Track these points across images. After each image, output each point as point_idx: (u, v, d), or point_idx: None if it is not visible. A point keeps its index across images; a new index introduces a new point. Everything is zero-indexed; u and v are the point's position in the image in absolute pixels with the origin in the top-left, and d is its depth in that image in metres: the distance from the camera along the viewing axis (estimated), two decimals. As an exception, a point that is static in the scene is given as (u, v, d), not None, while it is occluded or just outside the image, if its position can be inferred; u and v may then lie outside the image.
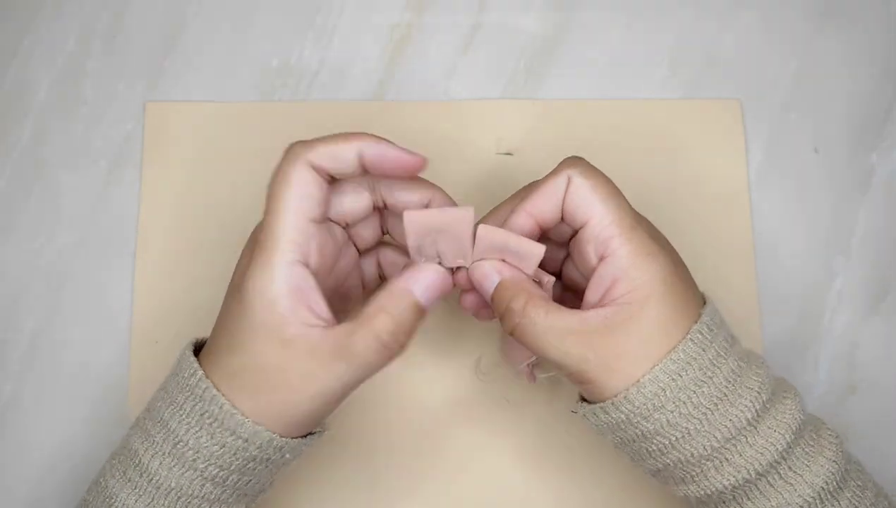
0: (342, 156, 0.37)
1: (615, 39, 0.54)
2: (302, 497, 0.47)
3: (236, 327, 0.36)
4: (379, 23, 0.54)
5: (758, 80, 0.53)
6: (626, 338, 0.36)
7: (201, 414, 0.36)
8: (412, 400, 0.48)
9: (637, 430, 0.37)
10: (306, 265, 0.36)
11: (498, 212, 0.41)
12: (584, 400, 0.39)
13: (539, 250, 0.38)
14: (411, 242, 0.38)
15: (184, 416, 0.37)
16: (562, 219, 0.39)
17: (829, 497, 0.36)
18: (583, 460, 0.48)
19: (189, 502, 0.37)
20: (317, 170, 0.37)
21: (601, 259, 0.37)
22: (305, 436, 0.38)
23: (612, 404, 0.36)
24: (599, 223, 0.37)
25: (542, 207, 0.38)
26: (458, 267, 0.39)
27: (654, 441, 0.36)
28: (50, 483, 0.48)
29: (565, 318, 0.37)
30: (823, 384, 0.49)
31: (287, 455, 0.38)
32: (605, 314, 0.36)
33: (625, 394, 0.36)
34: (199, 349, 0.39)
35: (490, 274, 0.38)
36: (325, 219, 0.38)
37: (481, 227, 0.38)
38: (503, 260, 0.39)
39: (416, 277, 0.38)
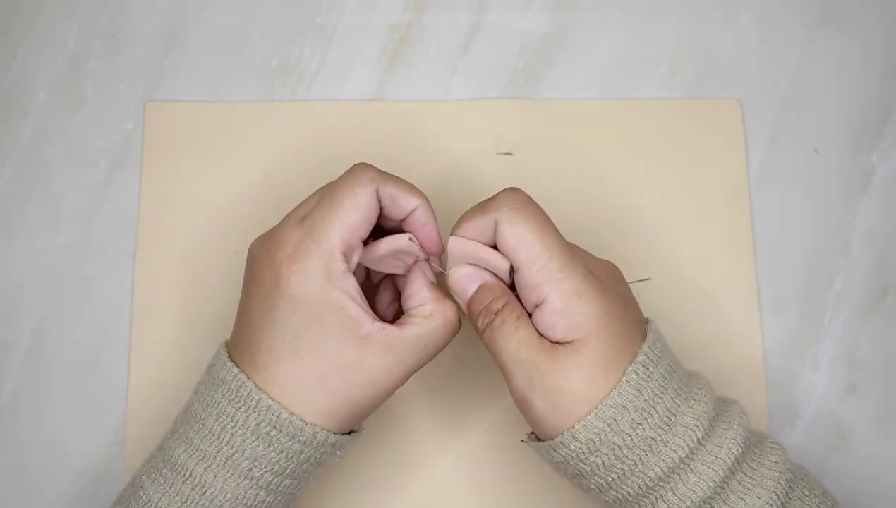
0: (403, 204, 0.40)
1: (615, 39, 0.54)
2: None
3: (302, 334, 0.37)
4: (379, 23, 0.54)
5: (758, 80, 0.53)
6: (567, 374, 0.37)
7: (257, 424, 0.37)
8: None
9: (575, 470, 0.38)
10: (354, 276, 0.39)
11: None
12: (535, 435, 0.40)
13: (505, 264, 0.39)
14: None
15: (237, 427, 0.37)
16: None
17: None
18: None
19: None
20: (378, 199, 0.39)
21: (536, 305, 0.38)
22: (351, 433, 0.40)
23: (551, 446, 0.38)
24: (528, 270, 0.38)
25: (470, 235, 0.40)
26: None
27: (592, 480, 0.38)
28: (50, 482, 0.48)
29: (529, 329, 0.38)
30: (823, 384, 0.49)
31: (338, 453, 0.39)
32: (552, 346, 0.37)
33: (560, 439, 0.37)
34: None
35: (473, 277, 0.40)
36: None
37: (452, 239, 0.40)
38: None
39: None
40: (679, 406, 0.37)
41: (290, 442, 0.37)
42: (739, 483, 0.37)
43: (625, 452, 0.36)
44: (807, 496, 0.37)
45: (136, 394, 0.48)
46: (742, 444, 0.37)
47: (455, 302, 0.41)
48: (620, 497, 0.37)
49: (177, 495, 0.37)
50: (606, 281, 0.39)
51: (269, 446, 0.37)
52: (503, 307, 0.39)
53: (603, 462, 0.37)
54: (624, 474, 0.37)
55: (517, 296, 0.40)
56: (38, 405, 0.49)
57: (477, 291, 0.40)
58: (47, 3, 0.54)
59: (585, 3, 0.54)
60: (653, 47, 0.54)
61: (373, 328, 0.38)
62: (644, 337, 0.38)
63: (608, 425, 0.36)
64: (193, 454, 0.38)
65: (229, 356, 0.39)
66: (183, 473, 0.37)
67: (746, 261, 0.50)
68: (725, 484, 0.36)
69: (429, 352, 0.39)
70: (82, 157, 0.52)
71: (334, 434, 0.38)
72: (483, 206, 0.40)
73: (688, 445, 0.36)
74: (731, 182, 0.52)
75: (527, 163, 0.51)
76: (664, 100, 0.53)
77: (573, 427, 0.36)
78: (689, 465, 0.36)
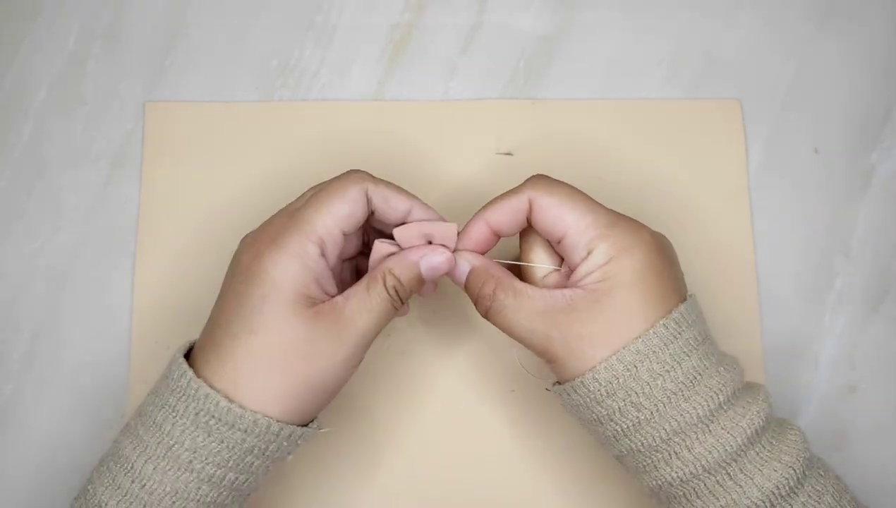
0: (396, 205, 0.41)
1: (615, 39, 0.54)
2: (300, 499, 0.47)
3: (257, 310, 0.38)
4: (379, 23, 0.54)
5: (758, 80, 0.53)
6: (589, 322, 0.38)
7: (196, 413, 0.37)
8: (412, 401, 0.49)
9: (592, 414, 0.38)
10: (326, 261, 0.40)
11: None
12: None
13: (452, 228, 0.41)
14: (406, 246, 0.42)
15: (178, 417, 0.37)
16: (521, 229, 0.41)
17: (779, 500, 0.36)
18: (586, 457, 0.48)
19: (185, 506, 0.37)
20: (369, 200, 0.40)
21: (584, 258, 0.39)
22: (306, 426, 0.39)
23: (572, 386, 0.38)
24: (576, 230, 0.39)
25: (499, 218, 0.41)
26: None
27: (608, 426, 0.38)
28: (50, 482, 0.48)
29: (532, 299, 0.39)
30: (823, 384, 0.49)
31: (284, 444, 0.38)
32: (570, 295, 0.38)
33: (581, 379, 0.37)
34: (190, 351, 0.40)
35: (461, 265, 0.41)
36: (348, 235, 0.41)
37: (396, 230, 0.41)
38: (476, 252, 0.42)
39: (426, 256, 0.41)
40: (707, 368, 0.38)
41: (229, 431, 0.37)
42: (757, 454, 0.37)
43: (641, 400, 0.37)
44: (822, 476, 0.38)
45: (136, 394, 0.48)
46: (764, 419, 0.37)
47: (397, 281, 0.40)
48: (635, 447, 0.38)
49: (118, 489, 0.37)
50: (651, 244, 0.39)
51: (209, 436, 0.37)
52: (495, 289, 0.39)
53: (620, 408, 0.37)
54: (640, 423, 0.37)
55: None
56: (38, 405, 0.49)
57: (468, 277, 0.41)
58: (47, 3, 0.54)
59: (585, 3, 0.54)
60: (653, 47, 0.54)
61: (324, 304, 0.39)
62: (682, 302, 0.39)
63: (627, 369, 0.37)
64: (137, 446, 0.38)
65: (190, 348, 0.40)
66: (125, 466, 0.37)
67: (746, 261, 0.50)
68: (743, 452, 0.37)
69: (376, 324, 0.39)
70: (82, 157, 0.52)
71: (281, 423, 0.37)
72: (512, 190, 0.41)
73: (709, 406, 0.37)
74: (731, 182, 0.52)
75: (527, 163, 0.51)
76: (664, 100, 0.53)
77: (594, 367, 0.37)
78: (707, 426, 0.37)
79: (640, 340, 0.37)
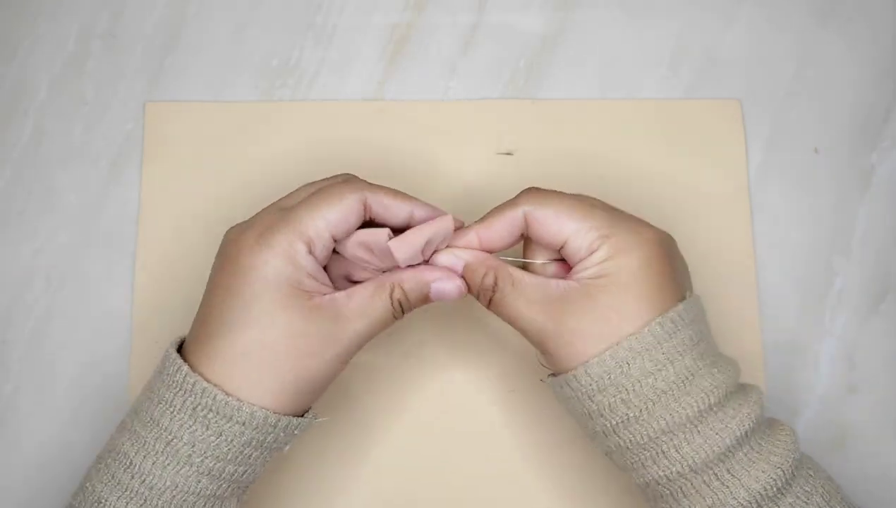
0: (397, 211, 0.41)
1: (615, 39, 0.54)
2: (299, 488, 0.47)
3: (252, 304, 0.38)
4: (379, 23, 0.54)
5: (758, 80, 0.53)
6: (581, 315, 0.38)
7: (194, 408, 0.37)
8: (409, 393, 0.49)
9: (583, 408, 0.38)
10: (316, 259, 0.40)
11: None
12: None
13: (447, 221, 0.40)
14: (405, 263, 0.41)
15: (175, 412, 0.37)
16: (516, 241, 0.41)
17: (766, 501, 0.36)
18: (585, 457, 0.48)
19: (185, 499, 0.37)
20: (366, 208, 0.40)
21: (583, 259, 0.39)
22: (302, 416, 0.39)
23: (565, 379, 0.39)
24: (578, 236, 0.39)
25: (491, 235, 0.41)
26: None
27: (598, 422, 0.38)
28: (50, 482, 0.48)
29: (529, 286, 0.40)
30: (823, 384, 0.49)
31: (282, 435, 0.39)
32: (565, 286, 0.39)
33: (573, 373, 0.38)
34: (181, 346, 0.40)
35: (454, 263, 0.41)
36: (337, 240, 0.40)
37: (393, 247, 0.40)
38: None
39: (439, 279, 0.41)
40: (700, 369, 0.38)
41: (228, 424, 0.37)
42: (746, 455, 0.37)
43: (631, 397, 0.37)
44: (812, 476, 0.38)
45: (136, 394, 0.48)
46: (754, 421, 0.37)
47: (405, 296, 0.40)
48: (623, 444, 0.38)
49: (117, 485, 0.37)
50: (652, 243, 0.39)
51: (207, 429, 0.37)
52: (495, 280, 0.40)
53: (609, 404, 0.37)
54: (628, 420, 0.37)
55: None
56: (38, 405, 0.49)
57: (464, 273, 0.41)
58: (47, 3, 0.54)
59: (585, 3, 0.54)
60: (653, 47, 0.54)
61: (323, 299, 0.39)
62: (681, 301, 0.39)
63: (619, 366, 0.37)
64: (135, 443, 0.38)
65: (181, 342, 0.40)
66: (124, 462, 0.37)
67: (746, 261, 0.50)
68: (731, 453, 0.37)
69: (371, 328, 0.39)
70: (82, 157, 0.52)
71: (277, 414, 0.38)
72: (506, 203, 0.41)
73: (699, 406, 0.37)
74: (731, 182, 0.52)
75: (527, 163, 0.51)
76: (664, 101, 0.53)
77: (587, 361, 0.37)
78: (696, 426, 0.37)
79: (634, 337, 0.37)
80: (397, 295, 0.40)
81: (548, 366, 0.41)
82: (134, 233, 0.51)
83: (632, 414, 0.37)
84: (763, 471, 0.36)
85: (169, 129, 0.52)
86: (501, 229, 0.41)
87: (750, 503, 0.36)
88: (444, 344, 0.49)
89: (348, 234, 0.40)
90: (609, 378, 0.37)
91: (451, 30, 0.54)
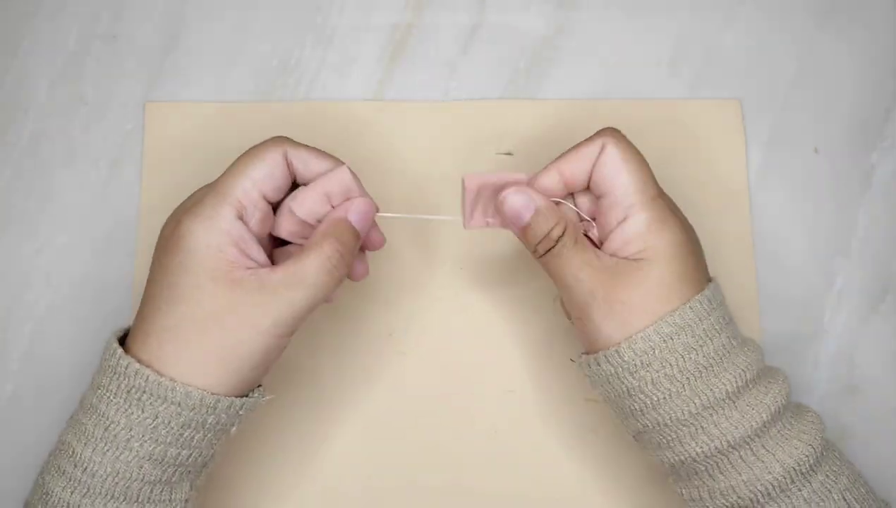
0: (316, 168, 0.40)
1: (615, 39, 0.54)
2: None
3: (176, 277, 0.37)
4: (379, 23, 0.54)
5: (758, 80, 0.53)
6: (630, 289, 0.38)
7: (128, 391, 0.37)
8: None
9: (623, 385, 0.38)
10: (246, 225, 0.39)
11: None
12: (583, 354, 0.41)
13: (342, 172, 0.40)
14: (468, 200, 0.41)
15: (111, 397, 0.37)
16: (587, 186, 0.41)
17: (799, 477, 0.37)
18: (584, 457, 0.48)
19: (128, 486, 0.37)
20: (288, 163, 0.40)
21: (621, 221, 0.39)
22: (245, 397, 0.38)
23: (605, 356, 0.38)
24: (624, 191, 0.39)
25: (572, 168, 0.41)
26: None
27: (637, 398, 0.38)
28: (50, 483, 0.48)
29: (587, 250, 0.40)
30: (823, 384, 0.49)
31: (224, 416, 0.38)
32: (616, 262, 0.39)
33: (616, 348, 0.38)
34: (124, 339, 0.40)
35: (528, 203, 0.40)
36: (272, 201, 0.40)
37: (467, 177, 0.41)
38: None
39: (350, 208, 0.40)
40: (734, 347, 0.39)
41: (163, 406, 0.36)
42: (779, 431, 0.38)
43: (674, 372, 0.37)
44: (838, 459, 0.39)
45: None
46: (785, 398, 0.38)
47: (338, 242, 0.39)
48: (662, 420, 0.38)
49: (62, 475, 0.37)
50: (685, 224, 0.41)
51: (143, 412, 0.36)
52: (563, 233, 0.39)
53: (652, 379, 0.38)
54: (670, 395, 0.37)
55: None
56: (38, 405, 0.49)
57: (534, 217, 0.40)
58: (47, 3, 0.54)
59: (585, 3, 0.54)
60: (653, 47, 0.54)
61: (245, 273, 0.37)
62: (708, 282, 0.40)
63: (664, 341, 0.37)
64: (77, 431, 0.37)
65: (125, 331, 0.39)
66: (67, 451, 0.37)
67: (746, 261, 0.50)
68: (766, 430, 0.37)
69: (307, 291, 0.38)
70: (82, 157, 0.52)
71: (215, 395, 0.37)
72: (585, 140, 0.41)
73: (737, 382, 0.38)
74: (731, 182, 0.52)
75: (527, 163, 0.51)
76: (664, 100, 0.53)
77: (631, 336, 0.37)
78: (734, 402, 0.37)
79: (678, 313, 0.38)
80: (334, 248, 0.38)
81: (581, 340, 0.40)
82: (134, 233, 0.51)
83: (674, 390, 0.37)
84: (796, 448, 0.37)
85: (169, 129, 0.52)
86: (582, 163, 0.40)
87: (784, 478, 0.37)
88: (442, 344, 0.49)
89: (278, 192, 0.40)
90: (654, 353, 0.37)
91: (451, 30, 0.54)
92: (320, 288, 0.38)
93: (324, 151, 0.41)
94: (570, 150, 0.41)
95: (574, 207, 0.42)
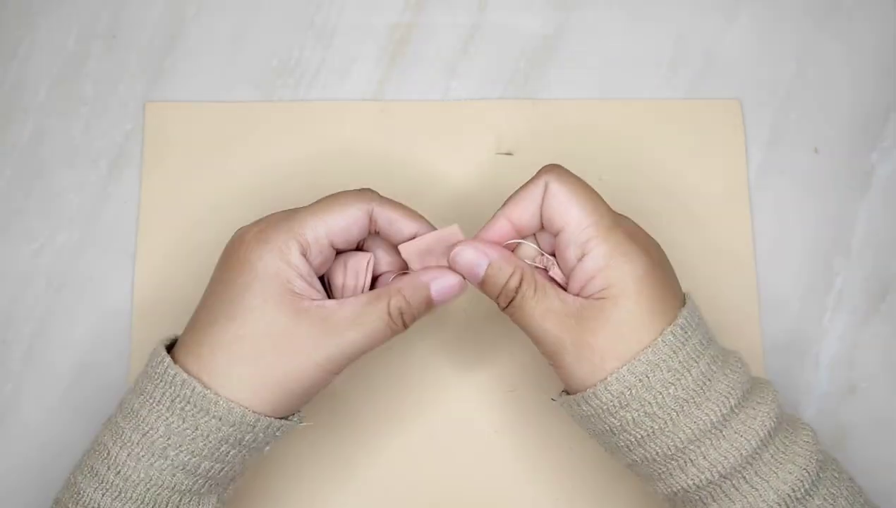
0: (402, 228, 0.40)
1: (615, 39, 0.54)
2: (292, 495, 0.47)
3: (240, 297, 0.38)
4: (379, 23, 0.54)
5: (758, 80, 0.53)
6: (598, 332, 0.37)
7: (172, 399, 0.37)
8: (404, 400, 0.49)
9: (605, 425, 0.38)
10: (310, 264, 0.39)
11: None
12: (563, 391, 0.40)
13: (454, 231, 0.40)
14: (414, 266, 0.41)
15: (154, 404, 0.37)
16: (541, 225, 0.40)
17: (794, 503, 0.36)
18: (584, 458, 0.48)
19: (159, 493, 0.37)
20: (374, 221, 0.40)
21: (579, 259, 0.38)
22: (283, 419, 0.39)
23: (583, 397, 0.38)
24: (577, 226, 0.38)
25: (520, 213, 0.40)
26: None
27: (621, 437, 0.38)
28: (49, 482, 0.48)
29: (549, 297, 0.38)
30: (823, 384, 0.49)
31: (261, 436, 0.38)
32: (581, 303, 0.38)
33: (593, 390, 0.37)
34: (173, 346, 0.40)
35: (480, 258, 0.39)
36: (339, 250, 0.41)
37: (401, 247, 0.40)
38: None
39: (437, 277, 0.40)
40: (714, 373, 0.38)
41: (204, 418, 0.36)
42: (772, 456, 0.37)
43: (655, 409, 0.37)
44: (837, 479, 0.38)
45: (136, 394, 0.48)
46: (775, 419, 0.37)
47: (406, 302, 0.39)
48: (649, 456, 0.37)
49: (95, 476, 0.37)
50: (649, 249, 0.39)
51: (184, 422, 0.37)
52: (520, 283, 0.39)
53: (633, 418, 0.37)
54: (654, 432, 0.37)
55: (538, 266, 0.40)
56: (38, 405, 0.49)
57: (488, 271, 0.39)
58: (47, 3, 0.54)
59: (585, 3, 0.54)
60: (653, 47, 0.54)
61: (312, 304, 0.38)
62: (682, 306, 0.39)
63: (640, 380, 0.36)
64: (114, 434, 0.38)
65: (173, 340, 0.40)
66: (102, 453, 0.37)
67: (746, 261, 0.50)
68: (757, 456, 0.37)
69: (367, 336, 0.38)
70: (82, 157, 0.52)
71: (256, 413, 0.37)
72: (528, 181, 0.40)
73: (721, 411, 0.37)
74: (731, 182, 0.52)
75: (527, 163, 0.51)
76: (664, 101, 0.53)
77: (605, 379, 0.37)
78: (721, 431, 0.37)
79: (650, 349, 0.37)
80: (396, 303, 0.39)
81: (562, 381, 0.40)
82: (134, 233, 0.51)
83: (656, 427, 0.37)
84: (790, 472, 0.36)
85: (169, 129, 0.52)
86: (529, 206, 0.39)
87: (780, 504, 0.36)
88: (442, 344, 0.49)
89: (349, 244, 0.40)
90: (630, 393, 0.37)
91: (451, 30, 0.54)
92: (376, 336, 0.39)
93: (411, 210, 0.41)
94: (513, 195, 0.40)
95: (534, 245, 0.41)
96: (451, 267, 0.40)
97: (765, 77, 0.53)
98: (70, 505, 0.37)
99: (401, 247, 0.40)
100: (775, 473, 0.36)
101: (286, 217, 0.39)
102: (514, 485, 0.48)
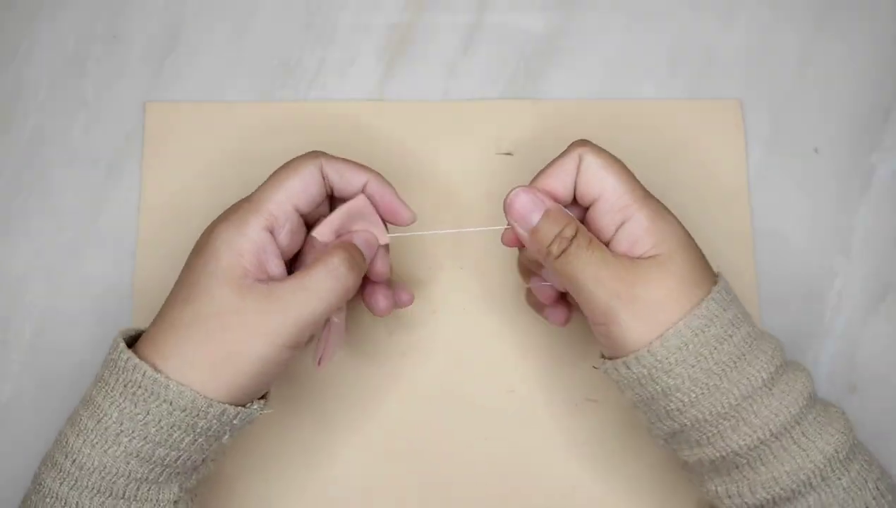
0: (351, 179, 0.41)
1: (615, 39, 0.54)
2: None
3: (196, 277, 0.38)
4: (379, 23, 0.54)
5: (758, 80, 0.53)
6: (653, 287, 0.37)
7: (125, 385, 0.37)
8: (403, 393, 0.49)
9: (658, 386, 0.37)
10: (274, 237, 0.40)
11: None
12: (604, 358, 0.40)
13: (362, 199, 0.42)
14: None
15: (109, 390, 0.37)
16: (574, 199, 0.41)
17: (839, 465, 0.37)
18: (584, 458, 0.48)
19: (115, 481, 0.37)
20: (324, 176, 0.41)
21: (620, 225, 0.39)
22: (241, 407, 0.38)
23: (636, 357, 0.37)
24: (613, 194, 0.39)
25: (553, 184, 0.40)
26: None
27: (674, 398, 0.37)
28: (50, 483, 0.48)
29: (604, 251, 0.39)
30: (823, 384, 0.49)
31: (214, 423, 0.38)
32: (631, 261, 0.38)
33: (648, 348, 0.37)
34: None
35: (535, 203, 0.40)
36: (304, 214, 0.41)
37: (315, 232, 0.41)
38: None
39: (356, 236, 0.41)
40: (760, 335, 0.39)
41: (155, 403, 0.36)
42: (815, 418, 0.37)
43: (710, 365, 0.37)
44: (865, 449, 0.39)
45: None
46: (812, 384, 0.38)
47: (345, 252, 0.39)
48: (702, 416, 0.37)
49: (54, 466, 0.37)
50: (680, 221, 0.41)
51: (136, 407, 0.36)
52: (576, 233, 0.39)
53: (689, 375, 0.37)
54: (708, 390, 0.37)
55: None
56: (38, 405, 0.49)
57: (543, 219, 0.39)
58: (47, 3, 0.54)
59: (585, 3, 0.54)
60: (653, 47, 0.54)
61: (255, 282, 0.38)
62: (715, 274, 0.40)
63: (695, 334, 0.37)
64: (73, 423, 0.38)
65: (139, 331, 0.40)
66: (62, 443, 0.37)
67: (746, 261, 0.50)
68: (803, 416, 0.37)
69: (311, 299, 0.38)
70: (82, 157, 0.52)
71: (208, 399, 0.37)
72: (560, 155, 0.41)
73: (770, 369, 0.37)
74: (731, 182, 0.52)
75: (527, 163, 0.51)
76: (664, 101, 0.53)
77: (662, 334, 0.37)
78: (770, 389, 0.37)
79: (703, 305, 0.37)
80: (335, 258, 0.39)
81: (603, 344, 0.39)
82: (134, 233, 0.51)
83: (712, 383, 0.37)
84: (832, 435, 0.37)
85: (169, 129, 0.52)
86: (565, 178, 0.40)
87: (825, 466, 0.37)
88: (442, 344, 0.49)
89: (311, 204, 0.41)
90: (688, 348, 0.37)
91: (451, 30, 0.54)
92: (324, 295, 0.38)
93: (359, 163, 0.42)
94: (545, 169, 0.41)
95: (569, 212, 0.41)
96: (505, 212, 0.40)
97: (765, 77, 0.53)
98: (32, 496, 0.38)
99: (314, 232, 0.41)
100: (820, 435, 0.37)
101: (247, 198, 0.40)
102: (514, 485, 0.48)
